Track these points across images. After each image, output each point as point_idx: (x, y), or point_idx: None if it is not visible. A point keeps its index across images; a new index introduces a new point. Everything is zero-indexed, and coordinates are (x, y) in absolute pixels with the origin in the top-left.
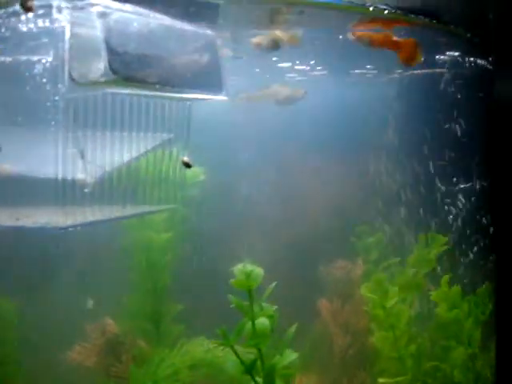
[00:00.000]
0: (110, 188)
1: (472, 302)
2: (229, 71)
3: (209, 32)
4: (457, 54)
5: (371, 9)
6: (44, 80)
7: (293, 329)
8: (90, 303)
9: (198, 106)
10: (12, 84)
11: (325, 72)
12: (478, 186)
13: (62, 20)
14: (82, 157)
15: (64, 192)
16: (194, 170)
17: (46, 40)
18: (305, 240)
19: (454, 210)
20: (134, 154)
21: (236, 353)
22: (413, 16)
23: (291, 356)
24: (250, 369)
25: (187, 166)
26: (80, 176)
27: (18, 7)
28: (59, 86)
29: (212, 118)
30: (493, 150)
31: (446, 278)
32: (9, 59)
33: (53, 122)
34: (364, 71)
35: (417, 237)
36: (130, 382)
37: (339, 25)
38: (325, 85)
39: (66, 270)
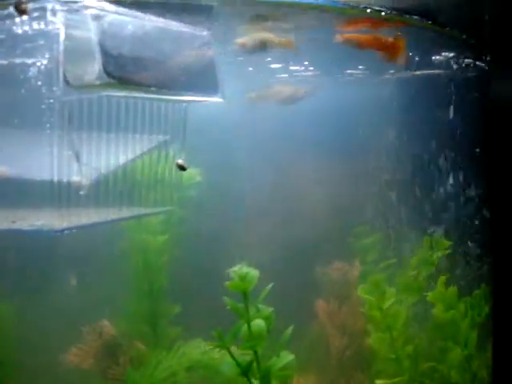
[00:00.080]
0: (105, 190)
1: (468, 303)
2: (225, 72)
3: (204, 33)
4: (452, 54)
5: (368, 10)
6: (39, 82)
7: (289, 330)
8: (74, 281)
9: (194, 107)
10: (7, 87)
11: (320, 73)
12: (475, 188)
13: (57, 22)
14: (78, 159)
15: (59, 194)
16: (191, 171)
17: (40, 42)
18: (302, 241)
19: (451, 212)
20: (130, 156)
21: (232, 355)
22: (408, 17)
23: (287, 358)
24: (245, 371)
25: (182, 168)
26: (75, 178)
27: (12, 10)
28: (54, 88)
29: (207, 118)
30: (490, 151)
31: (442, 278)
32: (3, 62)
33: (48, 125)
34: (359, 72)
35: (414, 238)
36: None
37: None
38: (322, 85)
39: (63, 272)
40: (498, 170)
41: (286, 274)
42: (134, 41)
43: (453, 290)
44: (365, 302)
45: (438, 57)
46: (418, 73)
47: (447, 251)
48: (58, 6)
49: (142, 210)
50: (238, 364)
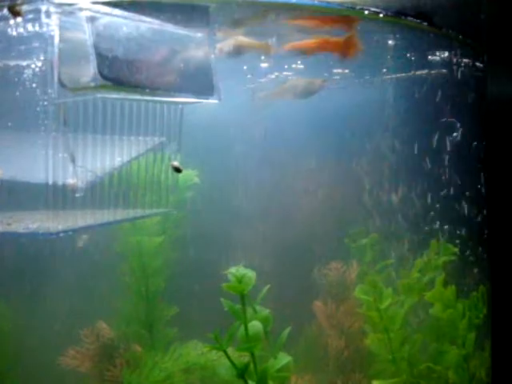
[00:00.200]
0: (101, 192)
1: (466, 304)
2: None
3: (199, 35)
4: (449, 55)
5: (366, 12)
6: (34, 85)
7: (286, 331)
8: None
9: (190, 108)
10: (1, 89)
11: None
12: (472, 188)
13: (51, 25)
14: (73, 161)
15: (55, 197)
16: (188, 172)
17: (35, 45)
18: (299, 242)
19: (449, 213)
20: (126, 158)
21: (229, 357)
22: (404, 18)
23: (285, 359)
24: (242, 373)
25: (177, 170)
26: (71, 181)
27: (5, 12)
28: (49, 90)
29: (204, 119)
30: (487, 151)
31: (441, 278)
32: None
33: (43, 127)
34: (353, 74)
35: (411, 239)
36: None
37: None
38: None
39: (59, 274)
40: (496, 170)
41: (283, 275)
42: (129, 43)
43: (451, 289)
44: (362, 302)
45: (434, 57)
46: (414, 74)
47: (452, 257)
48: (52, 8)
49: (138, 212)
50: (235, 366)
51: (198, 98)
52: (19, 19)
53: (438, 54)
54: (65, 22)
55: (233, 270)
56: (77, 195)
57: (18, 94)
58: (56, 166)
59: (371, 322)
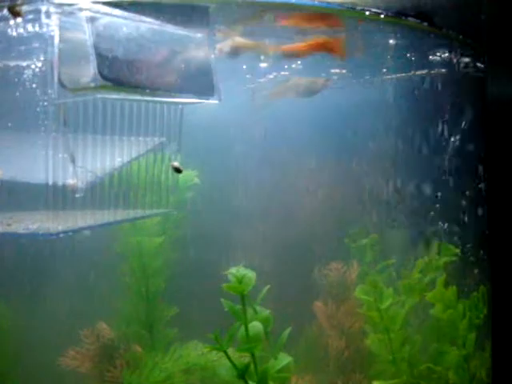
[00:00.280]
0: (101, 193)
1: (467, 304)
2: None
3: (199, 35)
4: (449, 55)
5: (367, 13)
6: (34, 85)
7: (287, 332)
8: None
9: (190, 108)
10: (1, 89)
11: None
12: (473, 188)
13: (51, 25)
14: (73, 162)
15: (55, 197)
16: (188, 173)
17: (35, 45)
18: (299, 243)
19: (449, 213)
20: (126, 158)
21: (229, 357)
22: (404, 18)
23: (285, 360)
24: (243, 373)
25: (177, 171)
26: (71, 181)
27: (5, 12)
28: (49, 91)
29: (203, 119)
30: (487, 152)
31: (442, 278)
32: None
33: (43, 127)
34: (351, 74)
35: (411, 239)
36: None
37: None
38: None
39: (59, 274)
40: (496, 170)
41: (283, 275)
42: (129, 43)
43: (452, 289)
44: (363, 302)
45: (434, 58)
46: (413, 74)
47: (454, 258)
48: (52, 9)
49: (139, 213)
50: (235, 366)
51: (198, 99)
52: (19, 20)
53: (438, 54)
54: (65, 22)
55: (233, 270)
56: (77, 196)
57: (18, 94)
58: (56, 167)
59: (372, 322)
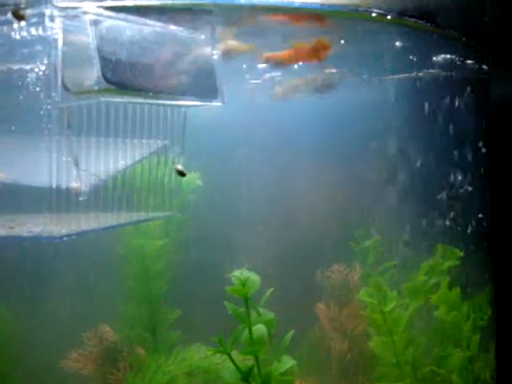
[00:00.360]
0: (105, 196)
1: (471, 306)
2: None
3: (202, 37)
4: (452, 57)
5: (374, 15)
6: (37, 88)
7: (290, 334)
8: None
9: (193, 110)
10: (5, 92)
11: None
12: (476, 190)
13: (55, 28)
14: (77, 165)
15: (59, 200)
16: (190, 175)
17: (38, 48)
18: (302, 245)
19: (452, 214)
20: (129, 161)
21: (233, 360)
22: (408, 19)
23: (289, 363)
24: (246, 376)
25: (181, 174)
26: (74, 184)
27: (9, 16)
28: (52, 94)
29: (207, 121)
30: (490, 153)
31: (446, 280)
32: (1, 68)
33: (46, 131)
34: (350, 74)
35: (414, 242)
36: None
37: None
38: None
39: (61, 277)
40: (500, 172)
41: (286, 277)
42: (133, 46)
43: (456, 291)
44: (366, 305)
45: (437, 59)
46: (416, 75)
47: (457, 261)
48: (56, 12)
49: (142, 216)
50: (239, 369)
51: (201, 101)
52: (23, 23)
53: (441, 55)
54: (68, 25)
55: (236, 273)
56: (80, 199)
57: (21, 97)
58: (59, 170)
59: (375, 324)
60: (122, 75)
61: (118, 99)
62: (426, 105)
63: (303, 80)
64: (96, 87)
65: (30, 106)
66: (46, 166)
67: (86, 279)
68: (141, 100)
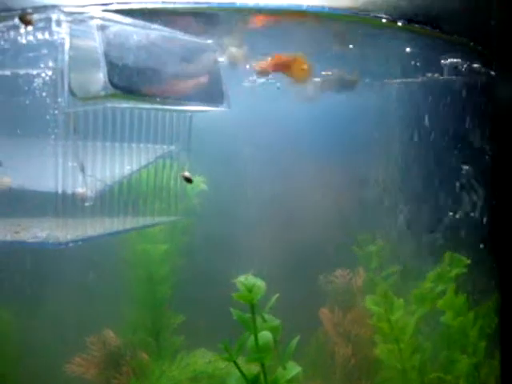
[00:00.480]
0: (110, 201)
1: (478, 312)
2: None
3: (209, 42)
4: (459, 61)
5: (384, 21)
6: (44, 93)
7: (295, 341)
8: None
9: (198, 114)
10: (12, 97)
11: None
12: (482, 195)
13: (62, 33)
14: (82, 170)
15: (64, 206)
16: (194, 179)
17: (45, 53)
18: (306, 249)
19: (457, 220)
20: (135, 166)
21: (238, 367)
22: (415, 25)
23: (295, 369)
24: (252, 383)
25: (188, 180)
26: (80, 190)
27: (17, 21)
28: (59, 99)
29: (210, 125)
30: (496, 158)
31: (452, 286)
32: (8, 72)
33: (53, 136)
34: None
35: (419, 248)
36: None
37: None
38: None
39: (65, 281)
40: (506, 177)
41: (290, 282)
42: (139, 51)
43: (462, 297)
44: (372, 312)
45: (443, 64)
46: (422, 80)
47: (464, 269)
48: (62, 17)
49: (148, 221)
50: (245, 376)
51: (207, 106)
52: (30, 28)
53: (447, 60)
54: (75, 30)
55: (242, 278)
56: (86, 204)
57: (27, 102)
58: (65, 175)
59: (381, 332)
60: (129, 80)
61: (124, 104)
62: (432, 109)
63: (330, 79)
64: (103, 92)
65: (36, 111)
66: (52, 170)
67: (89, 284)
68: (147, 105)
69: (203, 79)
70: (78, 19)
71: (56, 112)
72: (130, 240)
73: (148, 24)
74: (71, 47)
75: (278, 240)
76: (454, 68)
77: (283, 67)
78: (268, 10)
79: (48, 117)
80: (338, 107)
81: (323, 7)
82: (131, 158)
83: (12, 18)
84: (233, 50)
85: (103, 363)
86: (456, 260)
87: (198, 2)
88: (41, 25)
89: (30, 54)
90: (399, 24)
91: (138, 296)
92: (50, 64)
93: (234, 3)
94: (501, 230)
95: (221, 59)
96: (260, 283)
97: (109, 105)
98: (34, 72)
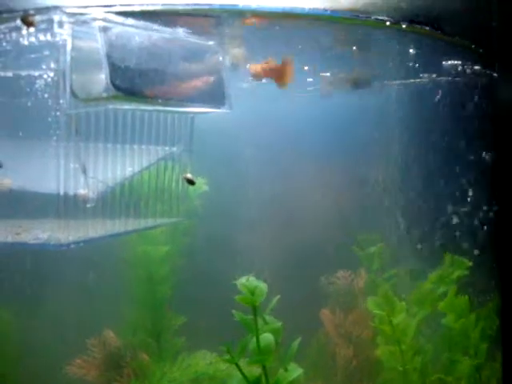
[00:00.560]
0: (112, 203)
1: (480, 314)
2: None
3: (211, 43)
4: (460, 63)
5: (388, 23)
6: (45, 94)
7: (297, 342)
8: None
9: (200, 115)
10: (14, 98)
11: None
12: (483, 197)
13: (64, 34)
14: (84, 172)
15: (66, 207)
16: (196, 180)
17: (47, 54)
18: (307, 250)
19: (458, 221)
20: (137, 167)
21: (240, 369)
22: (416, 26)
23: (296, 372)
24: None
25: (190, 182)
26: (82, 191)
27: (19, 22)
28: (61, 100)
29: (212, 126)
30: (498, 160)
31: (453, 288)
32: (10, 73)
33: (55, 137)
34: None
35: (419, 248)
36: None
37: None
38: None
39: (65, 282)
40: (508, 179)
41: (291, 283)
42: (142, 53)
43: (464, 299)
44: (374, 314)
45: (444, 65)
46: (423, 81)
47: (466, 271)
48: (65, 18)
49: (149, 222)
50: (247, 379)
51: (209, 108)
52: (32, 29)
53: (448, 61)
54: (77, 31)
55: (243, 280)
56: (88, 206)
57: (29, 103)
58: (67, 176)
59: (383, 334)
60: (131, 82)
61: (126, 106)
62: (432, 111)
63: (347, 76)
64: (105, 94)
65: (38, 113)
66: (54, 172)
67: (90, 284)
68: (149, 107)
69: (205, 80)
70: (80, 20)
71: (58, 113)
72: (131, 241)
73: (150, 25)
74: (73, 48)
75: (279, 241)
76: (456, 70)
77: (273, 73)
78: (270, 12)
79: (50, 118)
80: (338, 107)
81: (325, 10)
82: (133, 160)
83: (14, 19)
84: (234, 51)
85: (104, 365)
86: (457, 262)
87: (199, 3)
88: (43, 26)
89: (32, 56)
90: (399, 25)
91: (138, 297)
92: (52, 65)
93: (236, 5)
94: (502, 231)
95: (222, 60)
96: (262, 285)
97: (111, 106)
98: (36, 73)
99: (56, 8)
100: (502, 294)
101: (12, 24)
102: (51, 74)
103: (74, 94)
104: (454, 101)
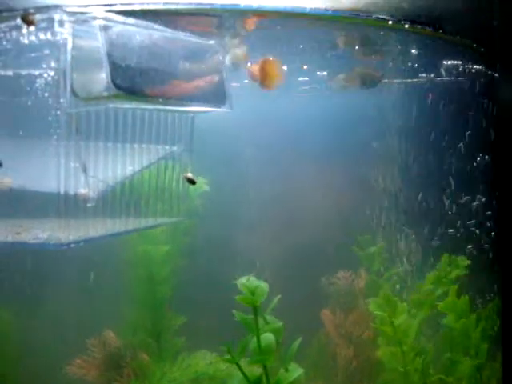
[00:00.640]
0: (112, 202)
1: (480, 314)
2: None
3: (211, 43)
4: (462, 63)
5: (390, 22)
6: (46, 93)
7: (297, 342)
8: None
9: (200, 115)
10: (14, 97)
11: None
12: (484, 197)
13: (64, 33)
14: (85, 171)
15: (66, 207)
16: (198, 180)
17: (48, 53)
18: (308, 251)
19: (459, 221)
20: (137, 167)
21: (241, 369)
22: (418, 26)
23: (297, 372)
24: None
25: (191, 182)
26: (82, 190)
27: (19, 21)
28: (61, 99)
29: (213, 126)
30: (498, 160)
31: (454, 287)
32: (11, 72)
33: (55, 136)
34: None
35: (420, 249)
36: None
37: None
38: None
39: (66, 282)
40: (508, 179)
41: (292, 283)
42: (142, 52)
43: (464, 299)
44: (375, 315)
45: (446, 64)
46: (425, 80)
47: (464, 270)
48: (65, 17)
49: (150, 222)
50: (247, 378)
51: (210, 107)
52: (32, 28)
53: (450, 61)
54: (78, 30)
55: (244, 280)
56: (88, 205)
57: (29, 102)
58: (67, 175)
59: (384, 335)
60: (132, 81)
61: (126, 105)
62: (434, 110)
63: (356, 73)
64: (105, 93)
65: (38, 112)
66: (54, 171)
67: (91, 284)
68: (149, 106)
69: (205, 80)
70: (80, 19)
71: (58, 112)
72: (131, 241)
73: (150, 24)
74: (74, 47)
75: (280, 241)
76: (457, 69)
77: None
78: (271, 12)
79: (50, 117)
80: (338, 108)
81: (326, 10)
82: (133, 159)
83: (14, 18)
84: (235, 50)
85: (104, 365)
86: (455, 261)
87: (201, 3)
88: (43, 25)
89: (32, 55)
90: (401, 25)
91: (139, 297)
92: (53, 64)
93: (237, 5)
94: (502, 232)
95: (223, 60)
96: (263, 285)
97: (111, 105)
98: (36, 72)
99: (56, 7)
100: (502, 295)
101: (12, 23)
102: (52, 73)
103: (74, 92)
104: (455, 100)
